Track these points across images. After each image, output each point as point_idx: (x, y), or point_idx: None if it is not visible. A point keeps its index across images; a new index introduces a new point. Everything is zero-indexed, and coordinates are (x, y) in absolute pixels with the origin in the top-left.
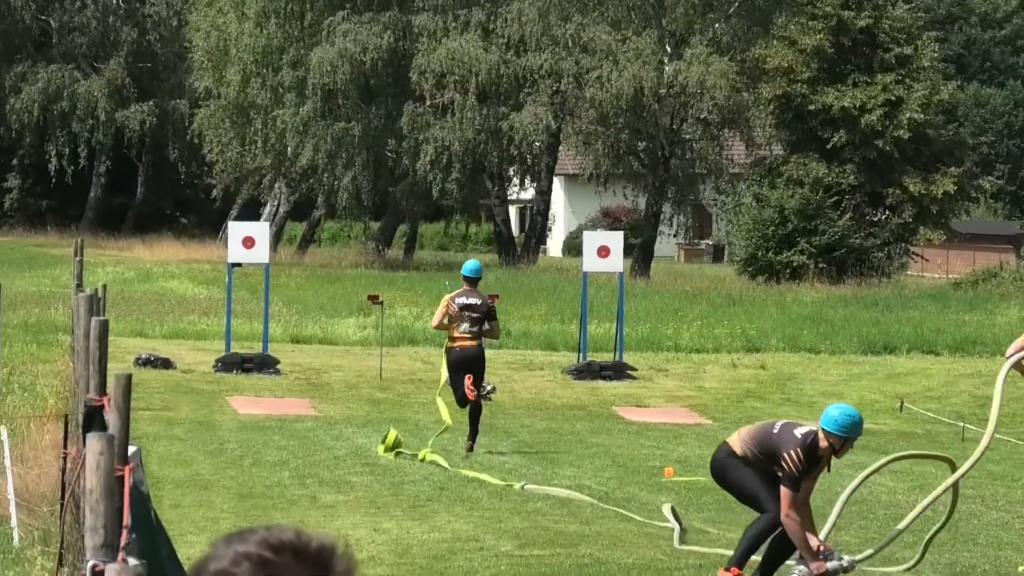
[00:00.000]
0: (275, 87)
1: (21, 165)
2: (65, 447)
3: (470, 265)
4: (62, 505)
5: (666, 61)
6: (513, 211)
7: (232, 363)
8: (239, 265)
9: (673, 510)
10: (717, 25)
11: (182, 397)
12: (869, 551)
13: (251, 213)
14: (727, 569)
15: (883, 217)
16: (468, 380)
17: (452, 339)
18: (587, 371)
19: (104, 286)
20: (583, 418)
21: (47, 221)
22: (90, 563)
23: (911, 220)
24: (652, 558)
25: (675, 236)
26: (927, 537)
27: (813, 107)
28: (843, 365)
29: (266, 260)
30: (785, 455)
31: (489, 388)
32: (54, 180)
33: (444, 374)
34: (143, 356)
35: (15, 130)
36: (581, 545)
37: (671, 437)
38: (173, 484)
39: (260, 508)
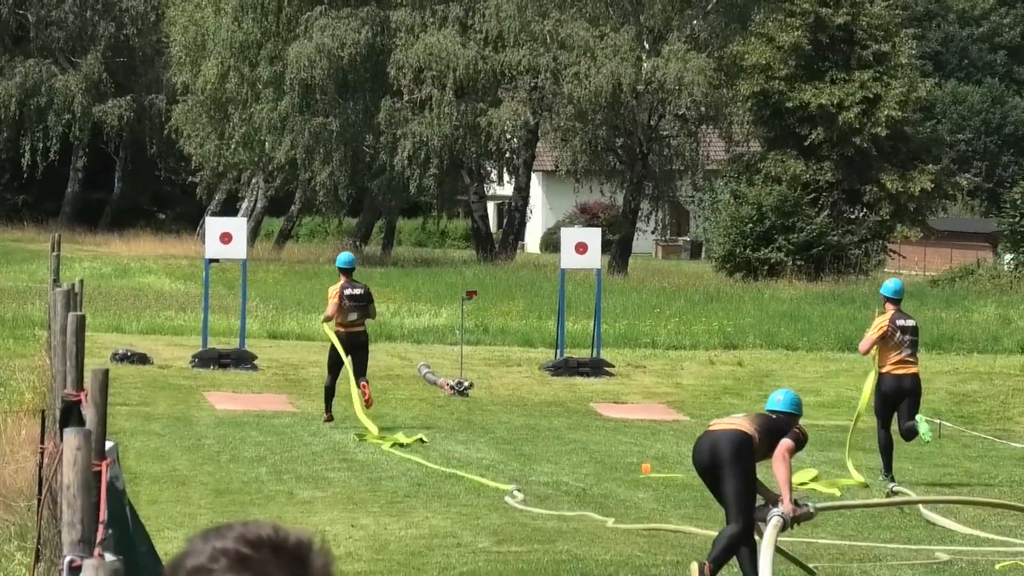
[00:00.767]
0: (252, 82)
1: None
2: (42, 442)
3: (344, 257)
4: (39, 500)
5: (644, 57)
6: (491, 207)
7: (209, 359)
8: (216, 261)
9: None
10: (695, 22)
11: (159, 392)
12: (834, 502)
13: (228, 208)
14: (704, 562)
15: (860, 214)
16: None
17: (342, 326)
18: (565, 367)
19: (81, 281)
20: (561, 414)
21: (24, 216)
22: (67, 558)
23: (888, 217)
24: (630, 555)
25: (653, 233)
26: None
27: (791, 104)
28: (820, 362)
29: (243, 256)
30: (796, 429)
31: (466, 384)
32: (26, 175)
33: (347, 359)
34: (120, 351)
35: None
36: (559, 541)
37: (649, 434)
38: (150, 480)
39: (237, 504)
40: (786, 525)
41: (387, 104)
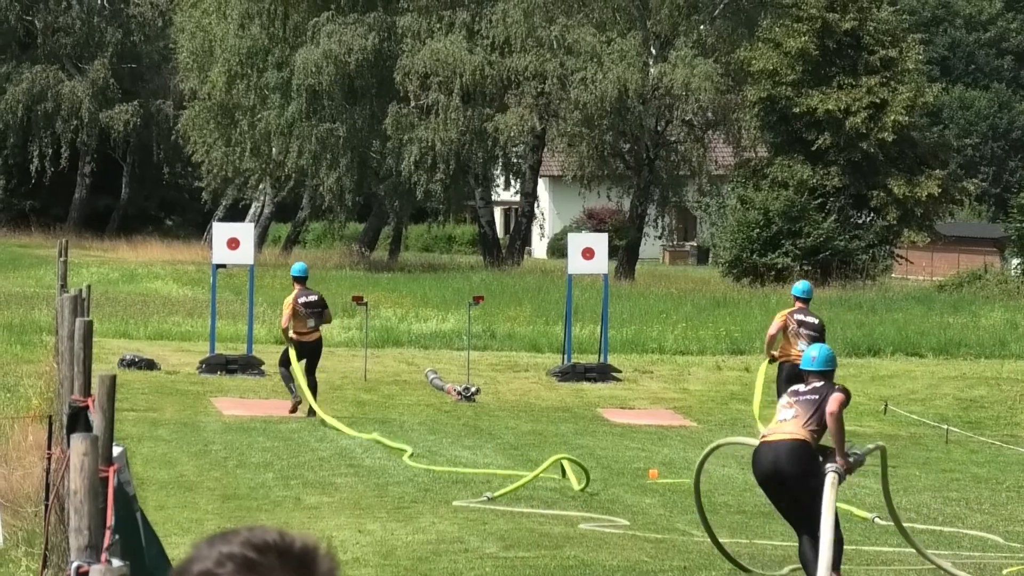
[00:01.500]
0: (260, 88)
1: (5, 165)
2: (49, 448)
3: (298, 267)
4: (46, 506)
5: (651, 63)
6: (498, 212)
7: (216, 364)
8: (224, 266)
9: None
10: (702, 27)
11: (166, 398)
12: (871, 445)
13: (236, 214)
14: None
15: (867, 219)
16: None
17: (299, 334)
18: (572, 373)
19: (88, 287)
20: (568, 420)
21: (31, 222)
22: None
23: (895, 222)
24: (637, 560)
25: (660, 238)
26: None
27: (798, 109)
28: None
29: (251, 261)
30: (839, 391)
31: (473, 389)
32: (33, 180)
33: (298, 364)
34: (127, 357)
35: None
36: (566, 547)
37: (656, 439)
38: (157, 485)
39: (244, 509)
40: (842, 479)
41: (394, 110)
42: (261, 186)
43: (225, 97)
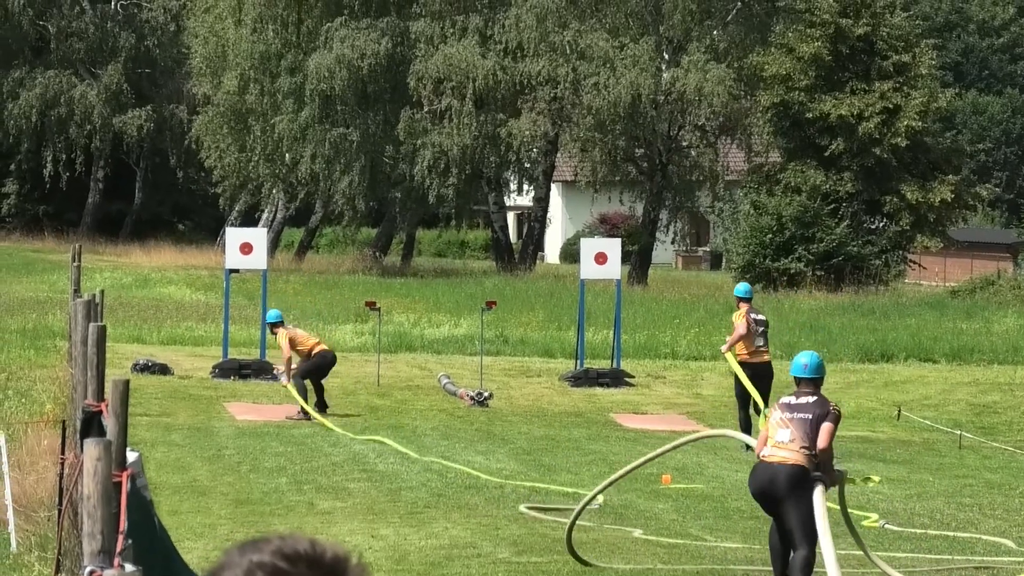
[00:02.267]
0: (273, 93)
1: (19, 170)
2: (63, 453)
3: (273, 313)
4: (60, 511)
5: (663, 68)
6: (511, 217)
7: (230, 369)
8: (237, 271)
9: None
10: (715, 32)
11: (180, 403)
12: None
13: (249, 219)
14: None
15: (880, 225)
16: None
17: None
18: (584, 378)
19: (102, 292)
20: (580, 425)
21: (45, 227)
22: (88, 568)
23: (908, 228)
24: (650, 565)
25: (672, 243)
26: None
27: (811, 115)
28: (840, 373)
29: (264, 266)
30: (832, 409)
31: (486, 394)
32: (48, 185)
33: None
34: (141, 362)
35: (12, 135)
36: (579, 552)
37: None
38: (171, 490)
39: (257, 514)
40: (827, 488)
41: (407, 115)
42: (274, 191)
43: (238, 102)
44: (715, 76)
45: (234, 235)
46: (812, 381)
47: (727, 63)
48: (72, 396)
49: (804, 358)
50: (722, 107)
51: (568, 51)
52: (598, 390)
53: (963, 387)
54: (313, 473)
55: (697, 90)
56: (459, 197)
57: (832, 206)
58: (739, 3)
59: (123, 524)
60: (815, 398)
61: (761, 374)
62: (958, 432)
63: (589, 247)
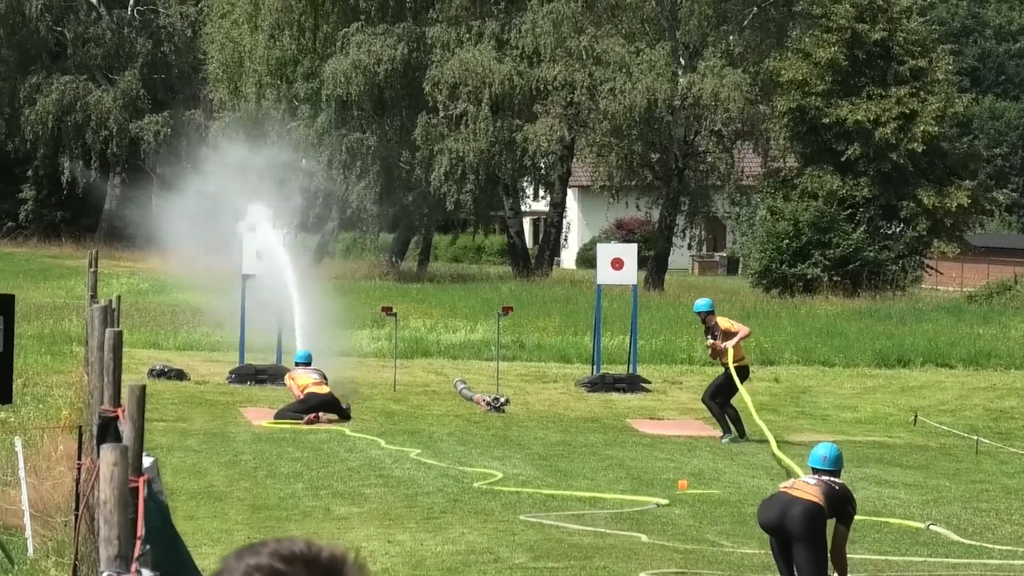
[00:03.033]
0: (289, 99)
1: (36, 176)
2: (79, 458)
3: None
4: (76, 516)
5: (680, 73)
6: (527, 223)
7: (246, 375)
8: (253, 276)
9: None
10: (731, 37)
11: (196, 408)
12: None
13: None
14: None
15: (897, 230)
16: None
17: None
18: (601, 383)
19: (118, 297)
20: (597, 430)
21: (61, 232)
22: (105, 574)
23: (925, 233)
24: (666, 571)
25: (689, 248)
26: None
27: (827, 120)
28: (857, 378)
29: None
30: (851, 506)
31: (502, 400)
32: (66, 191)
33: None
34: (157, 367)
35: (30, 141)
36: (595, 557)
37: (685, 450)
38: (187, 496)
39: (274, 520)
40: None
41: (423, 120)
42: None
43: (255, 108)
44: (731, 81)
45: (250, 241)
46: (831, 473)
47: (743, 68)
48: (88, 401)
49: (824, 450)
50: (738, 112)
51: (584, 56)
52: (614, 395)
53: (980, 392)
54: (329, 478)
55: (713, 95)
56: (476, 203)
57: (849, 211)
58: (755, 8)
59: (140, 530)
60: (835, 476)
61: (744, 376)
62: (975, 437)
63: (605, 252)
